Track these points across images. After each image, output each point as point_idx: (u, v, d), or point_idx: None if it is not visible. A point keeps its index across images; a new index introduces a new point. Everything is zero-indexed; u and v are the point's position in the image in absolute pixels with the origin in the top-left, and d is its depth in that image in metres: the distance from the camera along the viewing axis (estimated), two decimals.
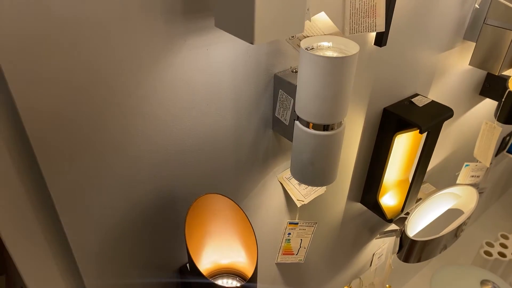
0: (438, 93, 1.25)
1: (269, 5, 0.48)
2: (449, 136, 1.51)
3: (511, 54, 1.13)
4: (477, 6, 1.02)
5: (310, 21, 0.61)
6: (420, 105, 1.09)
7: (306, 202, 0.96)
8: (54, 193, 0.56)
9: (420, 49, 1.05)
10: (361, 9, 0.79)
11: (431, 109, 1.08)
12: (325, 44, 0.71)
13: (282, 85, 0.76)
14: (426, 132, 1.06)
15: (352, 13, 0.79)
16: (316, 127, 0.73)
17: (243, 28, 0.50)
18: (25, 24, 0.45)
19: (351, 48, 0.69)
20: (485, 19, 1.11)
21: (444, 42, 1.12)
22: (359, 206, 1.28)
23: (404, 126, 1.06)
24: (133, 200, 0.67)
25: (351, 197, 1.22)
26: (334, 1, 0.76)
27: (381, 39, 0.87)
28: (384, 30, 0.84)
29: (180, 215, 0.76)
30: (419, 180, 1.20)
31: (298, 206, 0.96)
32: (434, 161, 1.55)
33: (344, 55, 0.65)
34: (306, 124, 0.74)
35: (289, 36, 0.52)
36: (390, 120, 1.08)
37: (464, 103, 1.45)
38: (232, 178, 0.81)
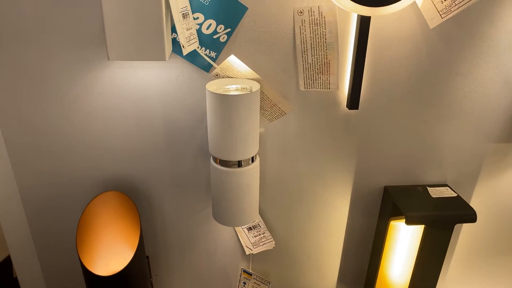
0: (492, 197, 0.98)
1: (118, 30, 0.61)
2: None
3: None
4: None
5: (185, 49, 0.67)
6: (434, 196, 0.90)
7: (254, 252, 0.93)
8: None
9: (447, 130, 0.88)
10: (314, 65, 0.79)
11: (445, 204, 0.88)
12: (243, 86, 0.74)
13: None
14: (423, 226, 0.86)
15: (306, 67, 0.79)
16: (223, 163, 0.76)
17: (106, 47, 0.64)
18: None
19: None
20: None
21: (494, 131, 0.90)
22: None
23: (400, 211, 0.89)
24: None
25: (346, 284, 1.06)
26: (283, 53, 0.78)
27: (350, 101, 0.81)
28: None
29: None
30: None
31: (247, 253, 0.94)
32: None
33: (234, 94, 0.69)
34: (214, 159, 0.77)
35: (147, 60, 0.62)
36: (387, 202, 0.93)
37: None
38: (167, 180, 0.89)
